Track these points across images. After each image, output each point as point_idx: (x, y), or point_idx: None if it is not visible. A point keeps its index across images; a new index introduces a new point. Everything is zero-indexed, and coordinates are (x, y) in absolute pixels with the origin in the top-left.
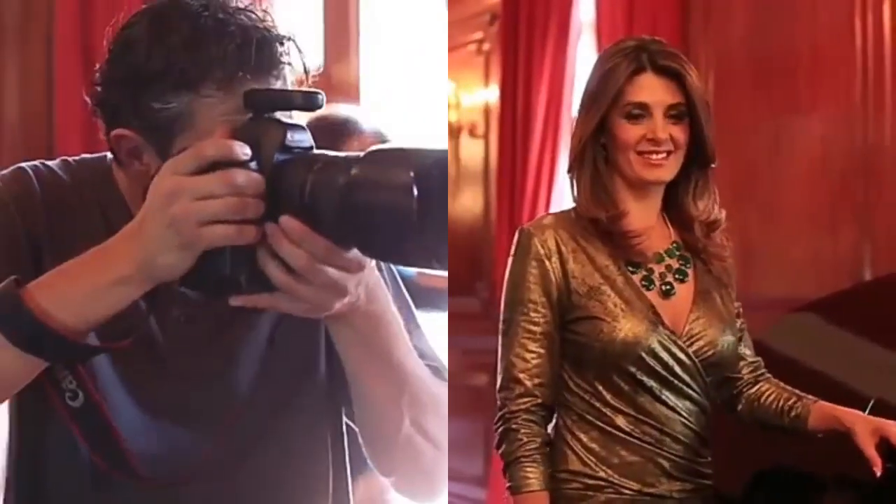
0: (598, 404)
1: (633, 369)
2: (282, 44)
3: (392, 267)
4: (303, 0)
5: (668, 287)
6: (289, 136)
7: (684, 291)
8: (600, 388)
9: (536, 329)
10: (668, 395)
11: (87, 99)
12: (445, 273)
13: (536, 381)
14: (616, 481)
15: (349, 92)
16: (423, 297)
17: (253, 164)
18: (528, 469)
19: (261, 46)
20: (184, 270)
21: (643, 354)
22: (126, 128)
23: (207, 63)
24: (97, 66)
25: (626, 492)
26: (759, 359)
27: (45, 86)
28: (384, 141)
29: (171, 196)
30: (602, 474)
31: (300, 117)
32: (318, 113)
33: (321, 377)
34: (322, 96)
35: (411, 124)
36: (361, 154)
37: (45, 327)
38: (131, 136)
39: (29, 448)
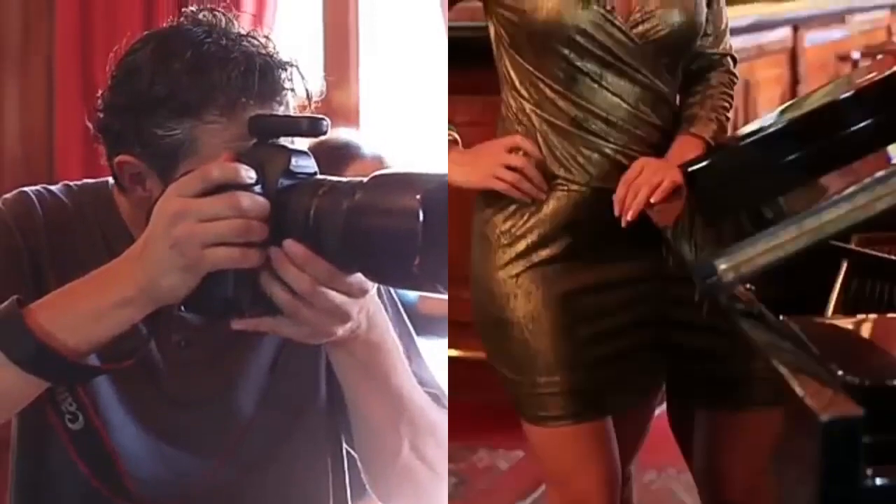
0: (542, 90)
1: (565, 51)
2: (284, 69)
3: (393, 293)
4: (302, 25)
5: None
6: (293, 161)
7: None
8: (540, 75)
9: None
10: (610, 81)
11: (89, 124)
12: (446, 296)
13: None
14: (563, 175)
15: (349, 116)
16: (424, 324)
17: (258, 188)
18: None
19: (264, 72)
20: (187, 292)
21: (573, 35)
22: (129, 154)
23: (210, 89)
24: (99, 91)
25: (574, 186)
26: (722, 51)
27: (45, 110)
28: (384, 165)
29: (175, 217)
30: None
31: (302, 142)
32: (319, 137)
33: (321, 403)
34: (327, 122)
35: (412, 148)
36: (365, 179)
37: (46, 347)
38: (134, 162)
39: (28, 470)
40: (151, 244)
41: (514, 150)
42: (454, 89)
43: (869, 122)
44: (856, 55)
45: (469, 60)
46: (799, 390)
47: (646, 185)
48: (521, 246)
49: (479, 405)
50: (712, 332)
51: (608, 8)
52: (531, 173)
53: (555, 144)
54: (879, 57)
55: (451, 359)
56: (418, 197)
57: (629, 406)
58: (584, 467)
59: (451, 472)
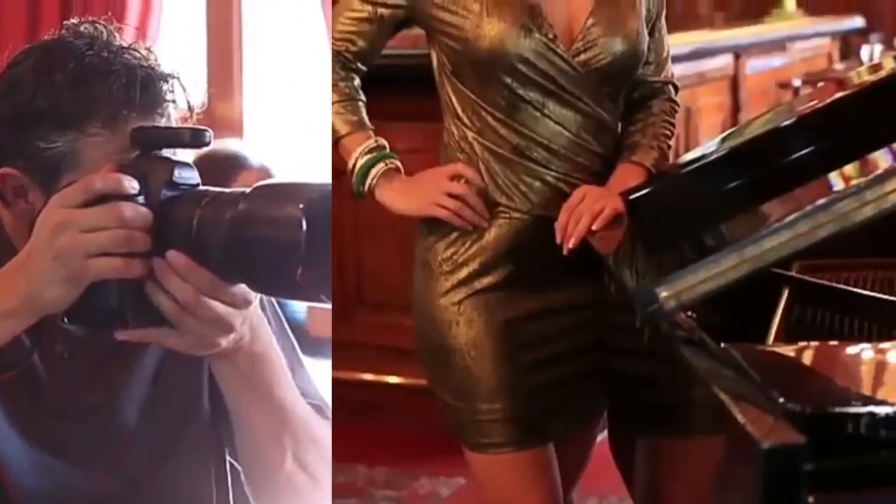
0: (484, 118)
1: (508, 80)
2: (166, 81)
3: (276, 306)
4: (186, 37)
5: None
6: (176, 172)
7: None
8: (482, 103)
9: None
10: (552, 109)
11: None
12: (330, 306)
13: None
14: (505, 203)
15: (233, 127)
16: (311, 345)
17: (140, 199)
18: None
19: (145, 84)
20: (69, 303)
21: (515, 64)
22: (11, 167)
23: (92, 102)
24: None
25: (516, 214)
26: (664, 79)
27: None
28: (271, 175)
29: (58, 228)
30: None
31: (186, 154)
32: (204, 149)
33: (204, 414)
34: (209, 133)
35: (295, 159)
36: (248, 189)
37: None
38: (17, 175)
39: None
40: (34, 255)
41: (455, 177)
42: (396, 116)
43: (810, 149)
44: (797, 82)
45: (411, 88)
46: (740, 417)
47: (587, 212)
48: (463, 273)
49: (421, 432)
50: (654, 359)
51: (550, 37)
52: (473, 201)
53: (497, 172)
54: (820, 84)
55: (392, 385)
56: (301, 207)
57: (571, 433)
58: (526, 494)
59: (392, 499)
